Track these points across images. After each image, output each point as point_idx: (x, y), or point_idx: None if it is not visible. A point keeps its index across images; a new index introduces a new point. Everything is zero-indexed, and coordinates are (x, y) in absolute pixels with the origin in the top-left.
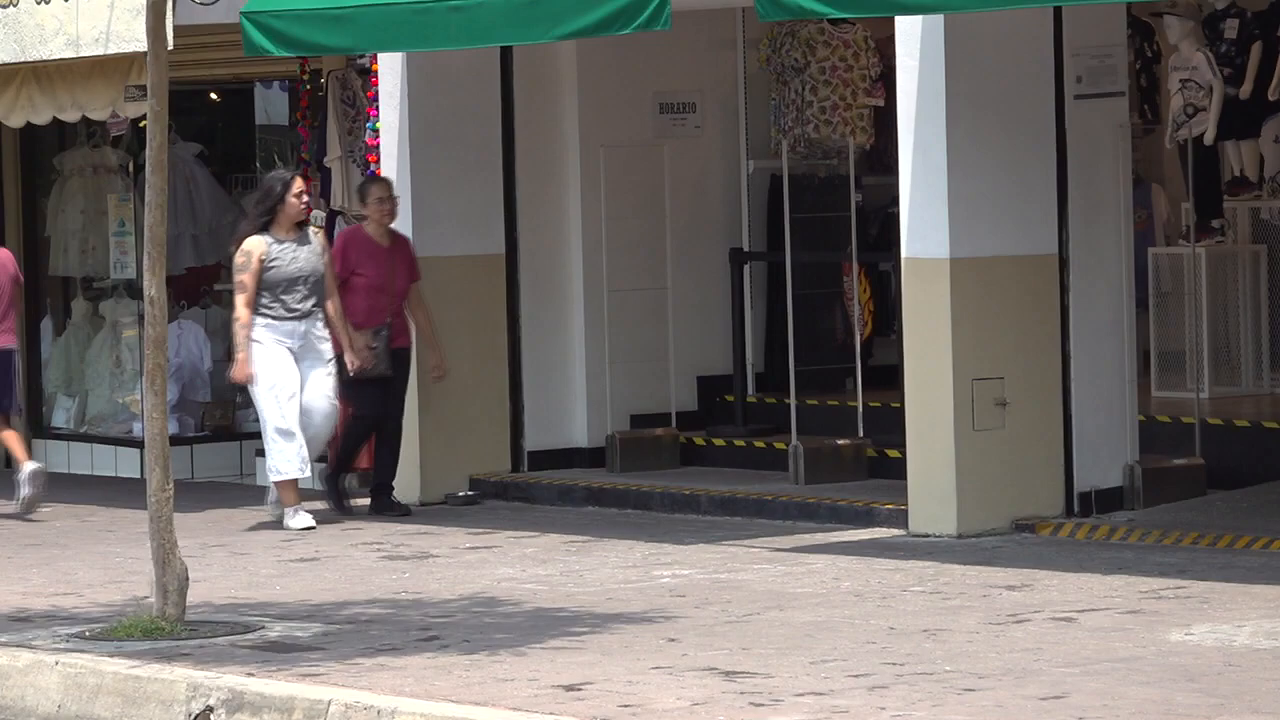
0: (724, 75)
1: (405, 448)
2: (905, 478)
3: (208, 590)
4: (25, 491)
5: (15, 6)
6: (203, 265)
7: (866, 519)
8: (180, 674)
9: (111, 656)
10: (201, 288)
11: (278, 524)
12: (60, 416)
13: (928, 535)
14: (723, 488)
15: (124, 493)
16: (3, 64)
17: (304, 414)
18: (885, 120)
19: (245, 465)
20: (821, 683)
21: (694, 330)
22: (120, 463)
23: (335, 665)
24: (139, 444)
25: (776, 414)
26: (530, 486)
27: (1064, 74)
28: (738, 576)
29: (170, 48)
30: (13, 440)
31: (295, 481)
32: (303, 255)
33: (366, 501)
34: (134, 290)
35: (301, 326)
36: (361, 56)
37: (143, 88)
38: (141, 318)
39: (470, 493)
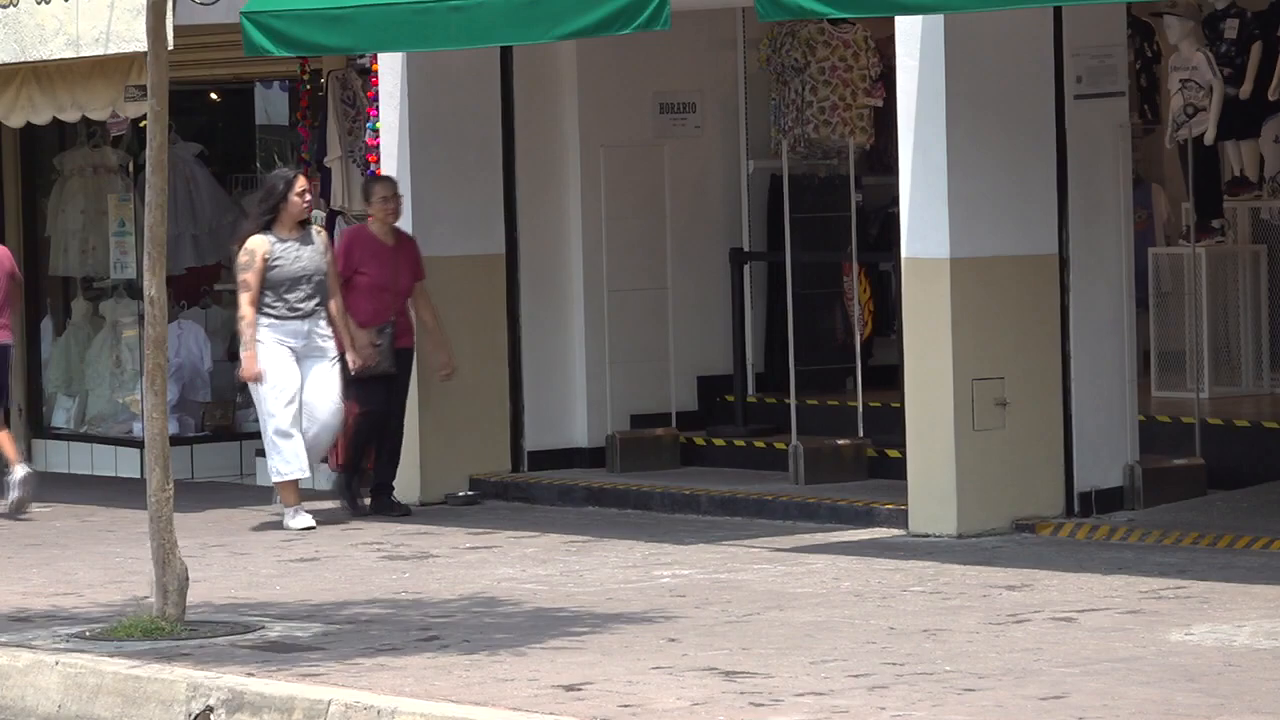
0: (724, 75)
1: (405, 448)
2: (905, 478)
3: (208, 590)
4: (15, 495)
5: (15, 6)
6: (203, 265)
7: (866, 519)
8: (180, 674)
9: (111, 656)
10: (201, 288)
11: (279, 524)
12: (60, 416)
13: (928, 535)
14: (723, 488)
15: (124, 493)
16: (3, 64)
17: (309, 413)
18: (885, 120)
19: (245, 465)
20: (821, 683)
21: (694, 330)
22: (120, 463)
23: (335, 665)
24: (139, 444)
25: (776, 414)
26: (530, 486)
27: (1064, 74)
28: (738, 576)
29: (170, 48)
30: (5, 441)
31: (295, 482)
32: (306, 254)
33: (367, 501)
34: (134, 290)
35: (304, 326)
36: (361, 56)
37: (143, 88)
38: (141, 318)
39: (470, 493)
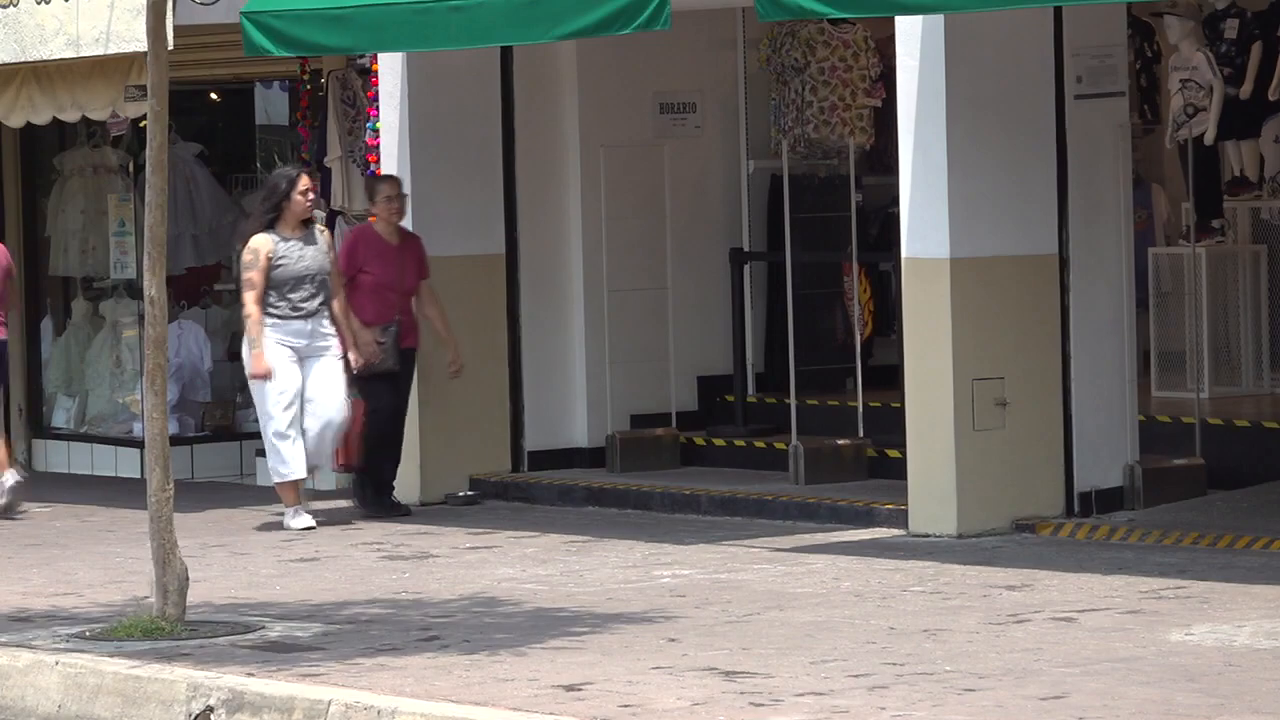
0: (724, 75)
1: (405, 448)
2: (905, 478)
3: (208, 590)
4: (1, 501)
5: (15, 6)
6: (203, 265)
7: (866, 519)
8: (180, 674)
9: (111, 656)
10: (201, 288)
11: (279, 524)
12: (60, 416)
13: (928, 535)
14: (723, 488)
15: (124, 493)
16: (3, 64)
17: (314, 410)
18: (885, 120)
19: (245, 465)
20: (821, 683)
21: (694, 330)
22: (120, 463)
23: (335, 665)
24: (139, 444)
25: (776, 414)
26: (530, 486)
27: (1064, 74)
28: (738, 576)
29: (170, 48)
30: None
31: (295, 482)
32: (309, 254)
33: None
34: (134, 290)
35: (308, 325)
36: (361, 56)
37: (143, 88)
38: (141, 318)
39: (470, 493)
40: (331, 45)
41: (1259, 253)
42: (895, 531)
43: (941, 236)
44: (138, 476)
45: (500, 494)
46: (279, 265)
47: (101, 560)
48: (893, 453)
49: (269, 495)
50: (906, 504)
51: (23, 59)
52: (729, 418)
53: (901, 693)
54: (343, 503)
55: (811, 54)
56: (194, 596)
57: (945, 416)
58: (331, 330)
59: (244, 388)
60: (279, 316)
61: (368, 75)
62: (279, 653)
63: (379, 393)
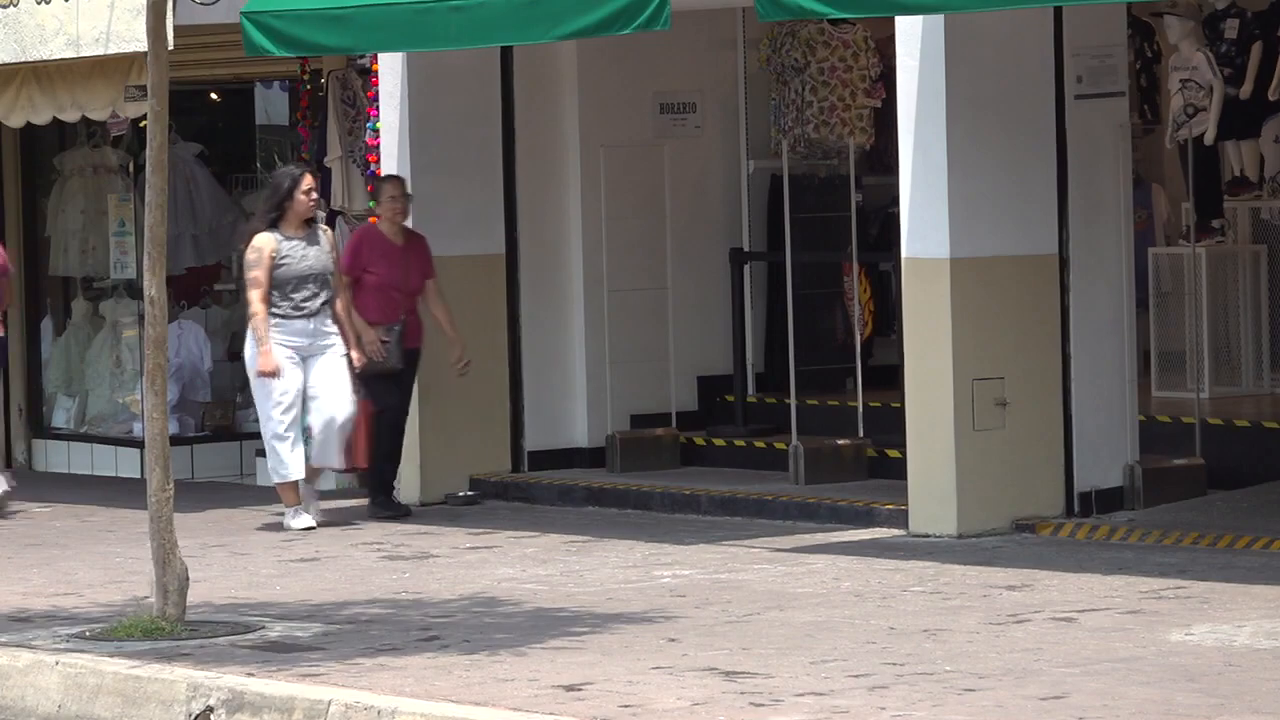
0: (724, 75)
1: (405, 448)
2: (905, 478)
3: (208, 590)
4: None
5: (15, 6)
6: (203, 265)
7: (866, 519)
8: (180, 674)
9: (112, 656)
10: (201, 288)
11: (279, 524)
12: (60, 416)
13: (928, 535)
14: (723, 488)
15: (124, 493)
16: (3, 64)
17: (319, 406)
18: (885, 120)
19: (245, 465)
20: (822, 683)
21: (694, 330)
22: (120, 463)
23: (335, 665)
24: (139, 444)
25: (776, 414)
26: (530, 486)
27: (1064, 74)
28: (738, 576)
29: (170, 48)
30: None
31: (295, 483)
32: (312, 253)
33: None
34: (134, 290)
35: (310, 325)
36: (361, 56)
37: (143, 88)
38: (141, 318)
39: (470, 493)
40: (331, 45)
41: (1259, 253)
42: (895, 531)
43: (941, 236)
44: (138, 476)
45: (500, 494)
46: (282, 264)
47: (101, 560)
48: (893, 453)
49: (269, 495)
50: (906, 504)
51: (23, 59)
52: (729, 418)
53: (901, 693)
54: (343, 503)
55: (811, 54)
56: (194, 596)
57: (945, 416)
58: (333, 328)
59: (244, 388)
60: (281, 316)
61: (368, 75)
62: (279, 653)
63: (384, 393)
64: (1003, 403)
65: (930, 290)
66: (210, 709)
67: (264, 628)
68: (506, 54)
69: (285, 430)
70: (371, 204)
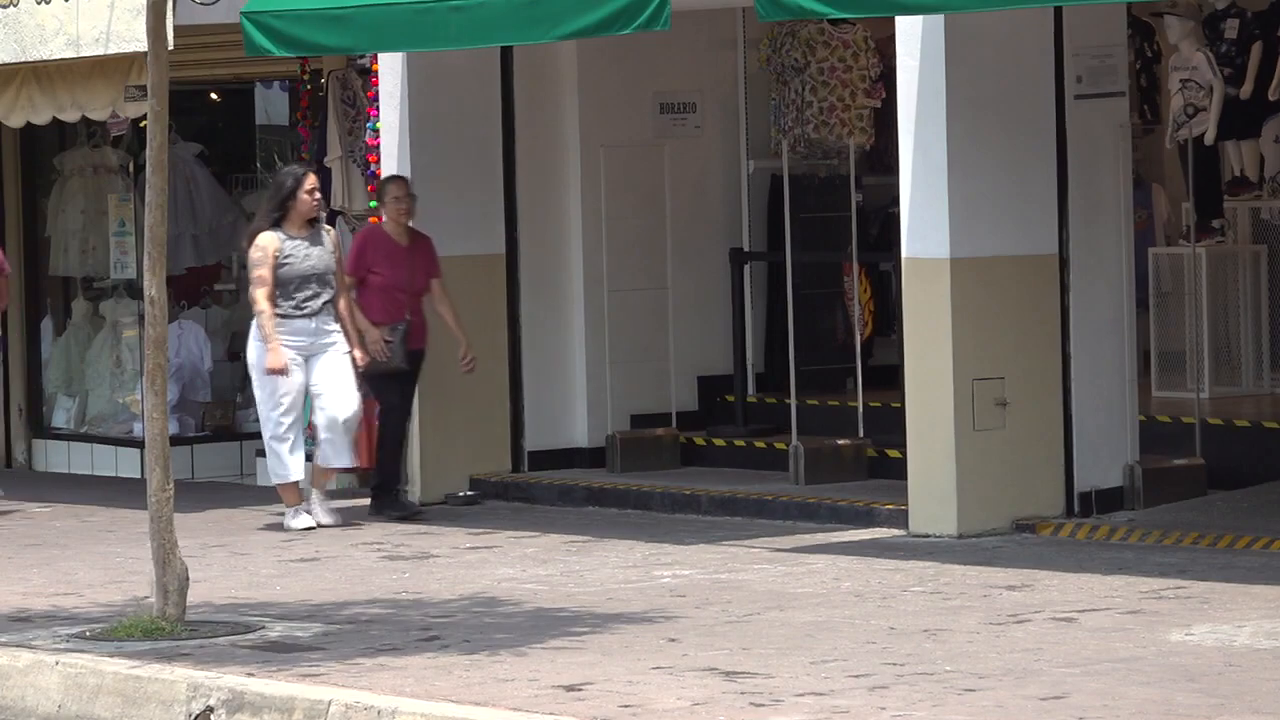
0: (724, 75)
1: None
2: (905, 478)
3: (208, 590)
4: None
5: (15, 6)
6: (203, 265)
7: (866, 519)
8: (180, 674)
9: (112, 656)
10: (202, 288)
11: (279, 524)
12: (60, 416)
13: (928, 535)
14: (723, 488)
15: (124, 493)
16: (3, 64)
17: (324, 404)
18: (885, 120)
19: (245, 465)
20: (822, 683)
21: (694, 330)
22: (120, 463)
23: (335, 665)
24: (139, 444)
25: (777, 414)
26: (530, 486)
27: (1064, 74)
28: (738, 576)
29: (170, 48)
30: None
31: (295, 483)
32: (315, 253)
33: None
34: (134, 290)
35: (311, 324)
36: (361, 56)
37: (143, 88)
38: (141, 318)
39: (470, 493)
40: (332, 45)
41: (1259, 253)
42: (895, 531)
43: (941, 236)
44: (138, 476)
45: (500, 494)
46: (285, 264)
47: (101, 560)
48: (893, 453)
49: (269, 495)
50: (906, 504)
51: (23, 59)
52: (729, 418)
53: (901, 693)
54: (343, 503)
55: (811, 54)
56: (194, 596)
57: (945, 416)
58: (335, 327)
59: (244, 388)
60: (283, 315)
61: (368, 75)
62: (279, 653)
63: (388, 393)
64: (1003, 403)
65: (930, 290)
66: (210, 709)
67: (264, 628)
68: (506, 54)
69: (285, 431)
70: (373, 204)
